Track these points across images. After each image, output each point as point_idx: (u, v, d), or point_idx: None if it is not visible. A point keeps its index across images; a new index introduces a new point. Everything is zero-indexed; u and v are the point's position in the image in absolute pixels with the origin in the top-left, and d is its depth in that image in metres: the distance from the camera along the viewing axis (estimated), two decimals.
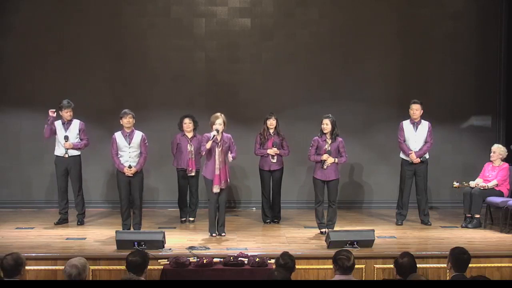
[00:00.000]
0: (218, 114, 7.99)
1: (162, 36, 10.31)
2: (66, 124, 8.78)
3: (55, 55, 10.14)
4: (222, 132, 7.95)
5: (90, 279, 6.53)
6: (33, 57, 10.14)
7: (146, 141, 8.33)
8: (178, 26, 10.34)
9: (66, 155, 8.72)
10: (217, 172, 7.88)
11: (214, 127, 7.90)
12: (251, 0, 10.39)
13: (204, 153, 7.96)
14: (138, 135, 8.27)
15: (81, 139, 8.84)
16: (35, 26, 10.15)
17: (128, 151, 8.19)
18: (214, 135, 7.85)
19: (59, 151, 8.77)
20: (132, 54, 10.27)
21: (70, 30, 10.18)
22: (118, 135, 8.24)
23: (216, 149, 7.88)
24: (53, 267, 6.78)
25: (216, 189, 7.91)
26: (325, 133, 8.36)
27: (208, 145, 7.86)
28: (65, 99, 8.83)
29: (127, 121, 8.18)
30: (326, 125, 8.30)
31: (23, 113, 10.19)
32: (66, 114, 8.71)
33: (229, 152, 8.00)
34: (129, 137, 8.21)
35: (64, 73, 10.15)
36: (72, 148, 8.74)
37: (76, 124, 8.84)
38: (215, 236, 8.04)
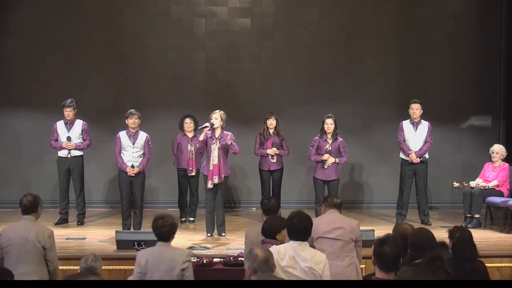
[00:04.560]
0: (217, 110, 8.01)
1: (162, 36, 10.31)
2: (69, 124, 8.79)
3: (55, 55, 10.14)
4: (222, 129, 7.95)
5: None
6: (33, 57, 10.14)
7: (150, 142, 8.34)
8: (178, 26, 10.34)
9: (69, 155, 8.73)
10: (211, 167, 7.87)
11: (211, 121, 7.91)
12: (251, 0, 10.39)
13: (198, 145, 7.99)
14: (142, 136, 8.27)
15: (83, 140, 8.84)
16: (35, 26, 10.15)
17: (132, 151, 8.19)
18: (205, 126, 7.86)
19: (62, 151, 8.77)
20: (132, 54, 10.28)
21: (70, 30, 10.18)
22: (122, 134, 8.24)
23: (212, 145, 7.88)
24: None
25: (209, 185, 7.90)
26: (327, 133, 8.37)
27: (201, 137, 7.87)
28: (65, 99, 8.84)
29: (132, 121, 8.18)
30: (331, 124, 8.34)
31: (23, 113, 10.19)
32: (66, 112, 8.71)
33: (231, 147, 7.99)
34: (133, 137, 8.21)
35: (64, 73, 10.16)
36: (75, 149, 8.75)
37: (79, 124, 8.85)
38: (210, 236, 8.04)
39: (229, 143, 7.83)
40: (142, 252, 4.99)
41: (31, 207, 5.56)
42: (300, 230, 4.72)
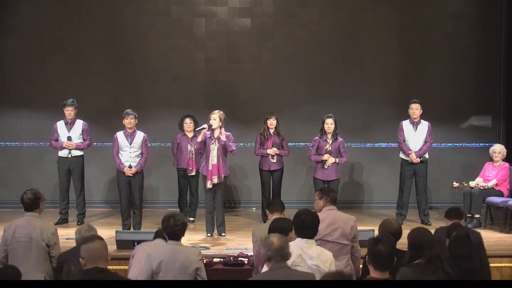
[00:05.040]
0: (216, 110, 8.00)
1: (162, 36, 10.31)
2: (69, 124, 8.80)
3: (55, 55, 10.15)
4: (221, 129, 7.94)
5: None
6: (33, 57, 10.15)
7: (147, 142, 8.36)
8: (178, 26, 10.34)
9: (70, 155, 8.74)
10: (210, 167, 7.88)
11: (209, 122, 7.92)
12: (251, 0, 10.39)
13: (196, 146, 8.04)
14: (139, 135, 8.28)
15: (84, 140, 8.85)
16: (35, 26, 10.16)
17: (129, 151, 8.21)
18: (202, 127, 7.86)
19: (62, 151, 8.78)
20: (132, 54, 10.28)
21: (70, 30, 10.18)
22: (119, 135, 8.26)
23: (211, 145, 7.89)
24: None
25: (208, 185, 7.91)
26: (327, 133, 8.38)
27: (199, 139, 7.87)
28: (65, 99, 8.86)
29: (128, 121, 8.19)
30: (331, 124, 8.36)
31: (23, 113, 10.20)
32: (67, 112, 8.72)
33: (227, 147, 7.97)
34: (130, 137, 8.23)
35: (64, 73, 10.16)
36: (75, 148, 8.76)
37: (79, 124, 8.85)
38: (210, 236, 8.04)
39: (224, 139, 7.82)
40: (154, 252, 4.96)
41: (32, 204, 5.61)
42: (307, 226, 4.74)
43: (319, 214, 5.59)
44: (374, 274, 4.01)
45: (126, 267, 6.60)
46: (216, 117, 7.89)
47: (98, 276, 4.14)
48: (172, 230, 4.91)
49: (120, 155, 8.23)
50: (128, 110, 8.27)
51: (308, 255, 4.63)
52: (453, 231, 5.08)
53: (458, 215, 5.96)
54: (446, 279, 4.25)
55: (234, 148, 7.99)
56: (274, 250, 4.24)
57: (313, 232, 4.81)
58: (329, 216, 5.55)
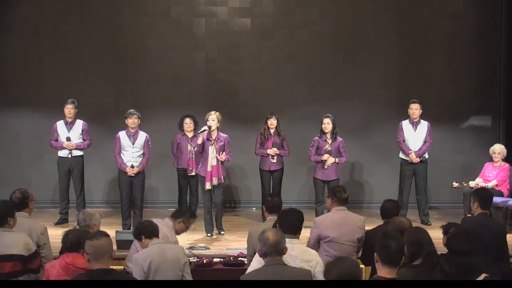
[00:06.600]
0: (213, 111, 8.02)
1: (162, 36, 10.31)
2: (69, 124, 8.80)
3: (55, 55, 10.15)
4: (217, 130, 7.96)
5: None
6: (33, 57, 10.15)
7: (149, 142, 8.38)
8: (178, 26, 10.35)
9: (70, 155, 8.74)
10: (209, 169, 7.90)
11: (208, 123, 7.93)
12: (251, 0, 10.39)
13: (196, 149, 8.04)
14: (142, 135, 8.30)
15: (83, 140, 8.85)
16: (35, 26, 10.16)
17: (131, 151, 8.22)
18: (203, 129, 7.89)
19: (63, 151, 8.78)
20: (132, 54, 10.28)
21: (70, 30, 10.18)
22: (122, 135, 8.26)
23: (209, 146, 7.90)
24: None
25: (207, 186, 7.95)
26: (325, 133, 8.38)
27: (199, 141, 7.90)
28: (65, 99, 8.88)
29: (132, 121, 8.21)
30: (328, 124, 8.36)
31: (23, 113, 10.20)
32: (67, 110, 8.72)
33: (223, 152, 8.00)
34: (133, 137, 8.25)
35: (64, 73, 10.16)
36: (75, 148, 8.76)
37: (79, 124, 8.86)
38: (210, 236, 8.06)
39: (223, 159, 7.95)
40: (140, 255, 4.97)
41: (20, 204, 5.53)
42: (291, 222, 4.79)
43: (329, 216, 5.60)
44: (381, 272, 3.87)
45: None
46: (214, 118, 7.93)
47: (104, 278, 4.08)
48: (154, 228, 5.10)
49: (122, 155, 8.23)
50: (132, 110, 8.28)
51: (292, 256, 4.58)
52: (451, 227, 5.11)
53: (487, 206, 6.03)
54: (444, 279, 4.24)
55: (230, 158, 8.16)
56: (269, 245, 4.20)
57: (297, 229, 4.82)
58: (338, 218, 5.61)
